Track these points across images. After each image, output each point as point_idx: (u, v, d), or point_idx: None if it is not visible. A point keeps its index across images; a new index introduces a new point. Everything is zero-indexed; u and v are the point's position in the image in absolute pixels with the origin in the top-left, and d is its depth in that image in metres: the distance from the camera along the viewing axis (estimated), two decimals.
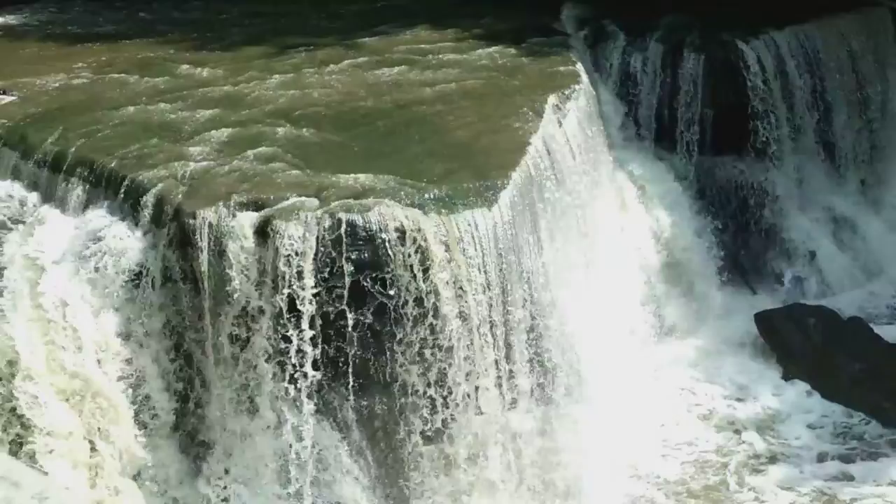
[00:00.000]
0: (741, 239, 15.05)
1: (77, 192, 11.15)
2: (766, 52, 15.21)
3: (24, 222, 11.08)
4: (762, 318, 13.92)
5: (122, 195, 10.72)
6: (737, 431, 12.48)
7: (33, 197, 11.52)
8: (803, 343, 13.52)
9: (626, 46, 15.36)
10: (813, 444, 12.21)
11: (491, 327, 10.41)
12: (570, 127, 12.63)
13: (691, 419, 12.69)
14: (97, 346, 9.93)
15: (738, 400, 13.00)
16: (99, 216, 10.68)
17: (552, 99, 12.66)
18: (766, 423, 12.63)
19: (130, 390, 10.05)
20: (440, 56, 14.48)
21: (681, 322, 14.00)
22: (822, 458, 11.95)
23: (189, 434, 10.39)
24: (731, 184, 15.17)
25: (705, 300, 14.28)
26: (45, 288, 10.03)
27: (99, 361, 9.91)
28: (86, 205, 10.98)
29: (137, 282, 10.20)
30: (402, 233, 9.93)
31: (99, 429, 9.74)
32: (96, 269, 10.19)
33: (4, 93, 13.34)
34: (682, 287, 14.12)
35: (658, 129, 15.14)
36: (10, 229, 10.96)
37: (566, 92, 13.01)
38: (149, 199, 10.47)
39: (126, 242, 10.31)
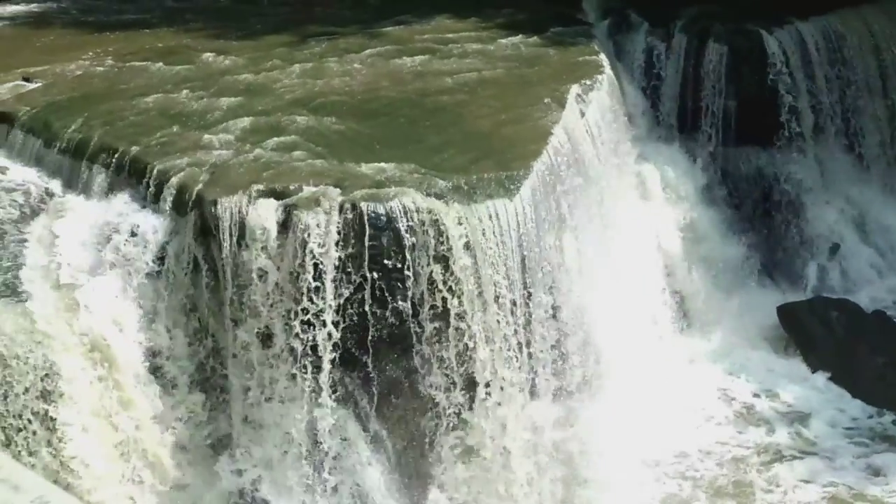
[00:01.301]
0: (764, 231, 14.96)
1: (100, 179, 11.19)
2: (790, 42, 15.10)
3: (46, 209, 11.13)
4: (785, 311, 13.85)
5: (144, 183, 10.76)
6: (760, 425, 12.42)
7: (56, 184, 11.57)
8: (826, 336, 13.44)
9: (649, 36, 15.28)
10: (837, 438, 12.16)
11: (512, 318, 10.39)
12: (593, 117, 12.58)
13: (714, 413, 12.64)
14: (119, 332, 9.95)
15: (761, 393, 12.94)
16: (121, 204, 10.72)
17: (574, 89, 12.62)
18: (790, 417, 12.57)
19: (151, 375, 10.07)
20: (462, 45, 14.45)
21: (703, 314, 13.92)
22: (846, 452, 11.88)
23: (209, 419, 10.42)
24: (754, 175, 15.08)
25: (727, 292, 14.19)
26: (66, 275, 10.08)
27: (121, 347, 9.93)
28: (108, 192, 11.02)
29: (159, 269, 10.23)
30: (422, 222, 9.91)
31: (118, 409, 9.78)
32: (118, 257, 10.22)
33: (28, 80, 13.39)
34: (704, 279, 14.04)
35: (681, 119, 15.07)
36: (34, 216, 11.01)
37: (589, 82, 12.95)
38: (171, 186, 10.51)
39: (148, 230, 10.35)
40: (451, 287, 9.97)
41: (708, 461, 11.82)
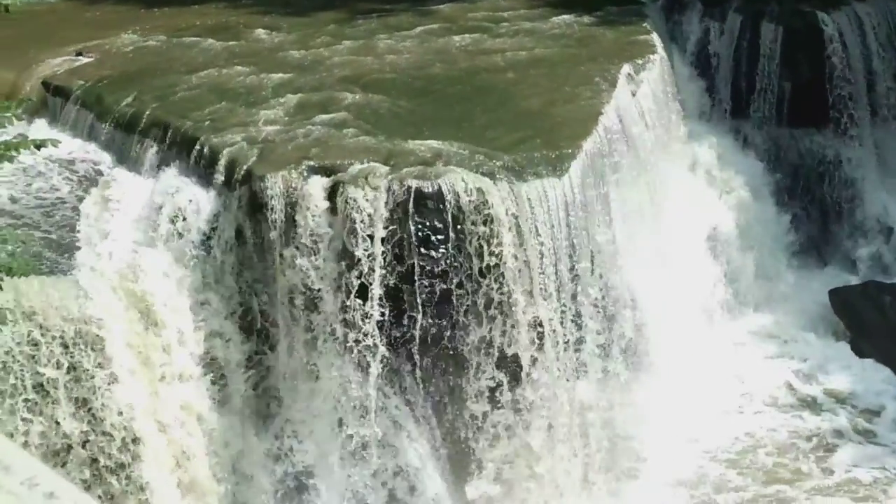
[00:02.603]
0: (816, 214, 14.77)
1: (151, 153, 11.29)
2: (846, 22, 14.84)
3: (99, 183, 11.25)
4: (836, 295, 13.67)
5: (194, 158, 10.83)
6: (810, 410, 12.30)
7: (108, 158, 11.69)
8: (878, 321, 13.24)
9: (703, 16, 15.10)
10: (888, 423, 12.01)
11: (559, 296, 10.35)
12: (644, 97, 12.47)
13: (762, 396, 12.53)
14: (168, 306, 10.04)
15: (810, 376, 12.82)
16: (172, 178, 10.80)
17: (626, 69, 12.50)
18: (840, 401, 12.43)
19: (199, 348, 10.17)
20: (513, 24, 14.36)
21: (753, 297, 13.81)
22: None
23: (256, 394, 10.51)
24: (807, 157, 14.88)
25: (778, 275, 14.06)
26: (117, 248, 10.18)
27: (169, 320, 10.02)
28: (159, 166, 11.11)
29: (209, 243, 10.31)
30: (470, 201, 9.89)
31: (165, 378, 9.90)
32: (168, 231, 10.32)
33: (81, 54, 13.52)
34: (754, 261, 13.90)
35: (734, 100, 14.91)
36: (86, 189, 11.14)
37: (640, 62, 12.83)
38: (221, 162, 10.57)
39: (198, 204, 10.42)
40: (497, 265, 9.94)
41: (757, 445, 11.74)
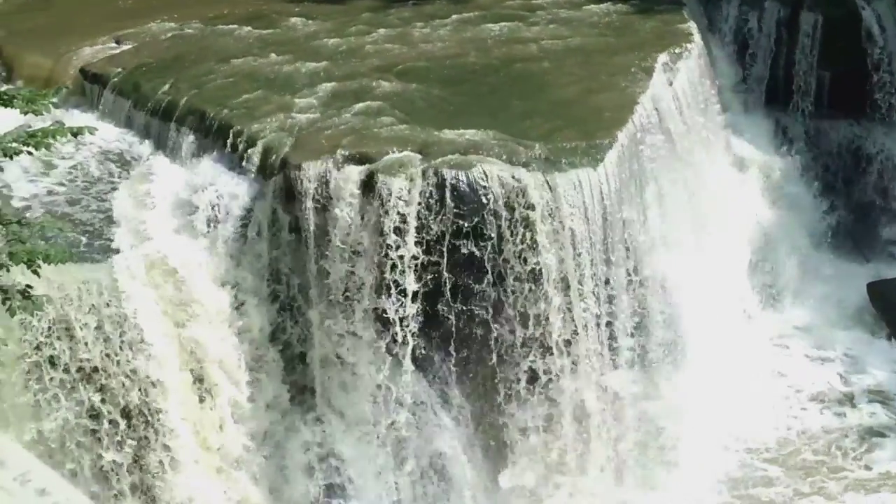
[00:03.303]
0: (855, 204, 14.61)
1: (187, 141, 11.34)
2: (887, 11, 14.63)
3: (135, 170, 11.31)
4: (875, 289, 13.51)
5: (230, 145, 10.87)
6: (847, 404, 12.21)
7: (145, 145, 11.76)
8: None
9: (741, 5, 14.94)
10: None
11: (593, 286, 10.30)
12: (681, 86, 12.35)
13: (800, 390, 12.44)
14: (203, 291, 10.10)
15: (849, 371, 12.71)
16: (208, 165, 10.86)
17: (663, 58, 12.39)
18: (878, 396, 12.32)
19: (236, 332, 10.21)
20: (549, 12, 14.25)
21: (790, 289, 13.68)
22: None
23: (291, 381, 10.55)
24: (845, 147, 14.72)
25: (816, 268, 13.91)
26: (153, 234, 10.24)
27: (206, 305, 10.08)
28: (195, 154, 11.16)
29: (244, 230, 10.35)
30: (505, 190, 9.86)
31: (203, 364, 9.97)
32: (204, 218, 10.36)
33: (118, 42, 13.58)
34: (791, 253, 13.77)
35: (772, 89, 14.76)
36: (123, 176, 11.21)
37: (677, 51, 12.71)
38: (256, 150, 10.61)
39: (233, 192, 10.46)
40: (531, 254, 9.90)
41: (795, 439, 11.69)
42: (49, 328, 9.20)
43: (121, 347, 9.47)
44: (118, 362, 9.46)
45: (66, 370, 9.30)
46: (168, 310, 9.83)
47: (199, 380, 9.95)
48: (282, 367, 10.46)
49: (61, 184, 11.03)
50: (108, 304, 9.44)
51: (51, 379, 9.23)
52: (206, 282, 10.11)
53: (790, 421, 11.95)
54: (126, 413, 9.51)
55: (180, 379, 9.78)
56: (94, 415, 9.43)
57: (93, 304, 9.35)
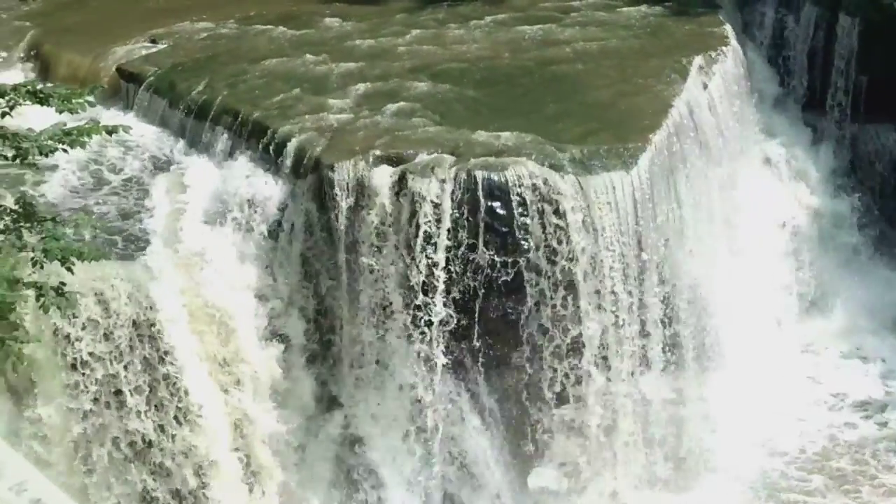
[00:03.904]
0: (892, 210, 14.44)
1: (222, 140, 11.39)
2: None
3: (170, 168, 11.38)
4: None
5: (264, 145, 10.91)
6: (885, 412, 12.08)
7: (180, 144, 11.82)
8: None
9: (778, 7, 14.81)
10: None
11: (625, 290, 10.25)
12: (716, 90, 12.27)
13: (837, 396, 12.34)
14: (236, 288, 10.14)
15: (883, 379, 12.57)
16: (242, 164, 10.90)
17: (698, 61, 12.32)
18: None
19: (268, 332, 10.25)
20: (584, 14, 14.21)
21: (825, 296, 13.54)
22: None
23: (322, 379, 10.58)
24: (884, 153, 14.53)
25: (851, 274, 13.76)
26: (187, 232, 10.29)
27: (237, 304, 10.11)
28: (230, 153, 11.21)
29: (278, 230, 10.38)
30: (537, 192, 9.83)
31: (233, 363, 10.01)
32: (238, 217, 10.40)
33: (154, 41, 13.66)
34: (827, 259, 13.63)
35: (809, 94, 14.60)
36: (157, 174, 11.27)
37: (713, 54, 12.63)
38: (290, 149, 10.64)
39: (267, 192, 10.50)
40: (564, 258, 9.87)
41: (830, 446, 11.58)
42: None
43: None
44: None
45: None
46: (201, 305, 9.89)
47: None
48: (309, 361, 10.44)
49: (95, 182, 11.10)
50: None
51: None
52: (237, 277, 10.13)
53: (826, 428, 11.85)
54: None
55: None
56: None
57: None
